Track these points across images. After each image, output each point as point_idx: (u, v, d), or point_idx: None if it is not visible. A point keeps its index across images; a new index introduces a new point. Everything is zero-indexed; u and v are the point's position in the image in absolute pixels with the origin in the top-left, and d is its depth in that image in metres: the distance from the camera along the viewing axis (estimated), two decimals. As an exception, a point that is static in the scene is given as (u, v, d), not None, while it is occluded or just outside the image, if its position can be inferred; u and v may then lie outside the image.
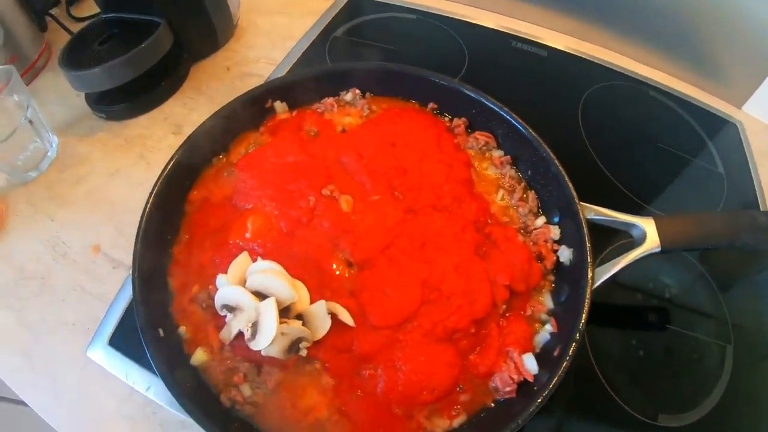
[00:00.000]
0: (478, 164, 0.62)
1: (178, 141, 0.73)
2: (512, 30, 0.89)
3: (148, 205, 0.55)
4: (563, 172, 0.56)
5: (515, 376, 0.48)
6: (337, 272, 0.52)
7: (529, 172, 0.61)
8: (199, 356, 0.51)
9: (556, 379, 0.45)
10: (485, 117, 0.63)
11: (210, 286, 0.54)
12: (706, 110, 0.84)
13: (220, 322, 0.52)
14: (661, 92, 0.85)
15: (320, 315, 0.48)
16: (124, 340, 0.60)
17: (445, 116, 0.67)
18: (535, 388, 0.48)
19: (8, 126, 0.69)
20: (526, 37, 0.88)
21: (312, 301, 0.49)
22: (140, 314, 0.50)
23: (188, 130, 0.73)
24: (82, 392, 0.59)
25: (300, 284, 0.50)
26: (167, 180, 0.57)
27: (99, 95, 0.77)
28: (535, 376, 0.49)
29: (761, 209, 0.73)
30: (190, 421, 0.54)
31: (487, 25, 0.91)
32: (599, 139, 0.76)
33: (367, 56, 0.82)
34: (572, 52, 0.88)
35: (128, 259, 0.64)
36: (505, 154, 0.63)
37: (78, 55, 0.72)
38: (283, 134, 0.62)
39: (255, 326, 0.48)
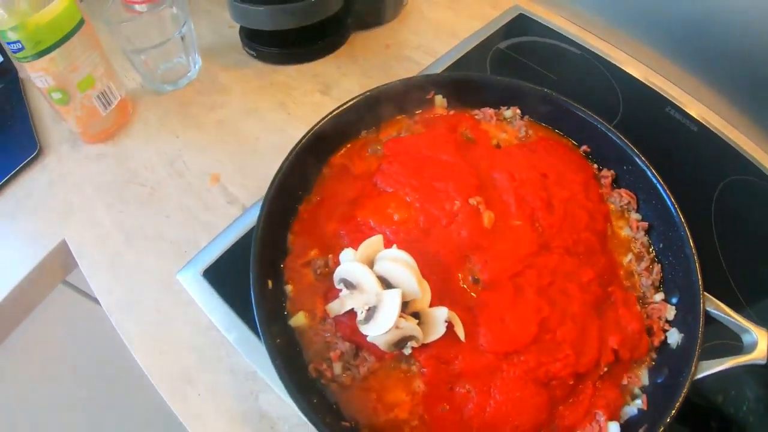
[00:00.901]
0: (614, 221, 0.64)
1: (323, 100, 0.77)
2: (667, 93, 0.90)
3: (296, 150, 0.59)
4: (696, 258, 0.58)
5: None
6: (463, 285, 0.55)
7: (661, 245, 0.63)
8: (299, 319, 0.55)
9: None
10: (635, 177, 0.65)
11: (330, 255, 0.57)
12: None
13: (329, 293, 0.55)
14: None
15: (438, 320, 0.51)
16: (219, 276, 0.63)
17: (594, 164, 0.69)
18: None
19: (161, 36, 0.73)
20: (680, 105, 0.89)
21: (431, 305, 0.52)
22: (257, 256, 0.53)
23: (336, 93, 0.78)
24: (159, 310, 0.63)
25: (425, 284, 0.52)
26: (318, 134, 0.61)
27: (252, 33, 0.81)
28: None
29: None
30: (261, 374, 0.60)
31: (645, 82, 0.92)
32: (727, 230, 0.78)
33: (527, 78, 0.83)
34: (720, 134, 0.90)
35: (245, 198, 0.68)
36: (643, 220, 0.65)
37: None
38: (439, 130, 0.64)
39: (372, 311, 0.50)
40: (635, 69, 0.95)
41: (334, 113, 0.62)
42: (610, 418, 0.53)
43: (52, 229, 0.69)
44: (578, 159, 0.67)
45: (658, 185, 0.63)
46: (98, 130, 0.76)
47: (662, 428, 0.50)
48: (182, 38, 0.74)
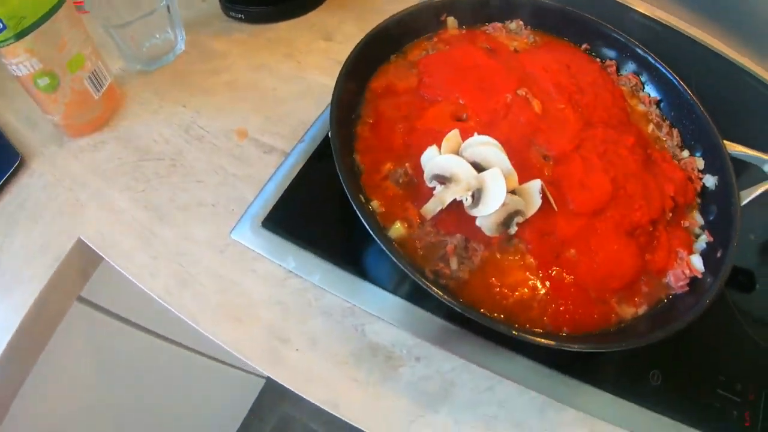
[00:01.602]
0: (630, 101, 0.74)
1: (330, 46, 0.80)
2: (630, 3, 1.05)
3: (342, 74, 0.63)
4: (707, 114, 0.70)
5: (687, 272, 0.59)
6: (537, 164, 0.60)
7: (672, 113, 0.74)
8: (397, 229, 0.56)
9: (723, 275, 0.57)
10: (636, 62, 0.77)
11: (407, 164, 0.60)
12: None
13: (419, 199, 0.58)
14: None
15: (534, 192, 0.56)
16: (282, 222, 0.63)
17: (596, 59, 0.79)
18: (707, 282, 0.59)
19: (147, 6, 0.71)
20: (637, 8, 1.05)
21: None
22: (345, 178, 0.55)
23: (341, 38, 0.81)
24: (221, 276, 0.60)
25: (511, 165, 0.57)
26: (355, 58, 0.64)
27: None
28: (702, 273, 0.60)
29: None
30: (359, 306, 0.62)
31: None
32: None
33: None
34: (684, 32, 1.04)
35: (283, 144, 0.69)
36: (652, 96, 0.76)
37: None
38: (462, 44, 0.70)
39: (477, 194, 0.54)
40: None
41: (366, 38, 0.66)
42: (690, 253, 0.62)
43: (61, 232, 0.64)
44: (583, 55, 0.76)
45: (657, 65, 0.75)
46: (87, 119, 0.71)
47: (734, 244, 0.59)
48: (168, 8, 0.75)
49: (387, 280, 0.61)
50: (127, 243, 0.63)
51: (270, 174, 0.68)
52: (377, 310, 0.61)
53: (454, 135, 0.58)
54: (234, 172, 0.69)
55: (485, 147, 0.56)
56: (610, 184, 0.61)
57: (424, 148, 0.59)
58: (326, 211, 0.65)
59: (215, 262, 0.62)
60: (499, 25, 0.77)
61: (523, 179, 0.59)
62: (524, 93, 0.65)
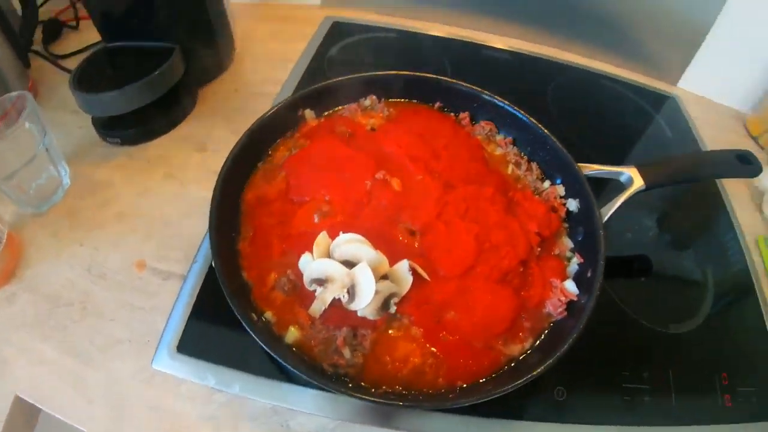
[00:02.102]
0: (487, 147, 0.86)
1: (205, 157, 0.90)
2: (477, 40, 1.23)
3: (214, 200, 0.70)
4: (560, 145, 0.81)
5: (563, 299, 0.70)
6: (404, 241, 0.71)
7: (528, 149, 0.86)
8: (293, 333, 0.66)
9: (595, 292, 0.67)
10: (485, 109, 0.88)
11: (288, 271, 0.69)
12: (649, 90, 1.21)
13: (305, 301, 0.67)
14: (611, 80, 1.20)
15: (404, 272, 0.66)
16: (194, 343, 0.72)
17: (450, 113, 0.91)
18: (582, 302, 0.69)
19: (26, 153, 0.79)
20: (491, 45, 1.22)
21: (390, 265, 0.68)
22: (233, 301, 0.63)
23: (213, 147, 0.91)
24: (154, 408, 0.69)
25: (380, 252, 0.67)
26: (224, 179, 0.73)
27: (107, 122, 0.91)
28: (577, 295, 0.70)
29: None
30: (280, 404, 0.71)
31: (457, 38, 1.24)
32: (569, 122, 1.04)
33: (362, 71, 1.07)
34: (532, 53, 1.22)
35: (179, 269, 0.78)
36: (507, 137, 0.87)
37: (90, 80, 0.87)
38: (321, 136, 0.80)
39: (352, 290, 0.64)
40: (445, 31, 1.24)
41: (230, 156, 0.75)
42: (563, 279, 0.73)
43: (-2, 393, 0.70)
44: (437, 114, 0.89)
45: (506, 107, 0.87)
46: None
47: (602, 262, 0.70)
48: (47, 149, 0.81)
49: (298, 377, 0.70)
50: (62, 392, 0.71)
51: (173, 300, 0.76)
52: (296, 404, 0.69)
53: (322, 238, 0.68)
54: (141, 305, 0.77)
55: (351, 245, 0.66)
56: (474, 242, 0.72)
57: (301, 253, 0.69)
58: (233, 324, 0.71)
59: (145, 394, 0.71)
60: (354, 105, 0.89)
61: (393, 260, 0.69)
62: (382, 176, 0.75)
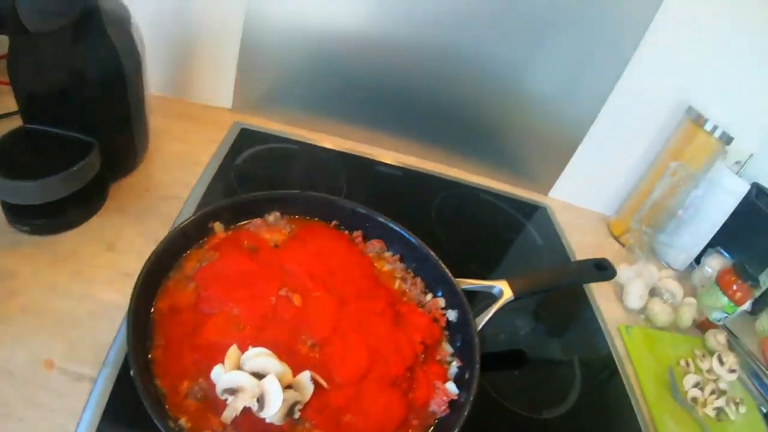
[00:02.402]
0: (377, 264, 1.01)
1: (114, 257, 0.96)
2: (371, 155, 1.45)
3: (130, 309, 0.77)
4: (440, 263, 0.99)
5: (445, 398, 0.84)
6: (304, 352, 0.82)
7: (414, 264, 1.03)
8: None
9: (473, 391, 0.83)
10: (376, 229, 1.05)
11: (200, 380, 0.77)
12: (523, 201, 1.51)
13: (217, 407, 0.75)
14: (490, 194, 1.48)
15: (306, 382, 0.77)
16: None
17: (345, 230, 1.07)
18: (461, 400, 0.84)
19: None
20: (383, 161, 1.43)
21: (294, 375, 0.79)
22: (153, 410, 0.69)
23: (123, 247, 0.98)
24: None
25: (284, 363, 0.78)
26: (138, 296, 0.79)
27: (18, 209, 0.94)
28: (457, 394, 0.85)
29: (570, 257, 1.34)
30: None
31: (355, 153, 1.45)
32: (451, 235, 1.28)
33: (266, 181, 1.22)
34: (420, 170, 1.46)
35: (89, 370, 0.81)
36: (395, 254, 1.04)
37: (3, 162, 0.90)
38: (229, 250, 0.91)
39: (261, 399, 0.74)
40: (341, 145, 1.43)
41: (144, 270, 0.82)
42: (444, 381, 0.88)
43: None
44: (333, 232, 1.05)
45: (395, 228, 1.05)
46: None
47: (477, 366, 0.86)
48: None
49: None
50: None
51: (84, 403, 0.79)
52: None
53: (233, 352, 0.78)
54: (51, 406, 0.78)
55: (260, 358, 0.77)
56: (366, 353, 0.86)
57: (212, 364, 0.79)
58: (145, 429, 0.73)
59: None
60: (259, 220, 1.02)
61: (296, 369, 0.80)
62: (285, 292, 0.88)
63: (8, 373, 0.80)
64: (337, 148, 1.46)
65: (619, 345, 1.19)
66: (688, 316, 1.30)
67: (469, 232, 1.34)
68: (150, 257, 0.85)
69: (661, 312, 1.28)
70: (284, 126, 1.49)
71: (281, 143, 1.41)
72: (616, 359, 1.13)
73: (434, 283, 1.02)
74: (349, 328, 0.88)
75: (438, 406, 0.85)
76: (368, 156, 1.47)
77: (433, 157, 1.53)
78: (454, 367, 0.92)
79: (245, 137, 1.38)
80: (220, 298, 0.86)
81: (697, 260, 1.52)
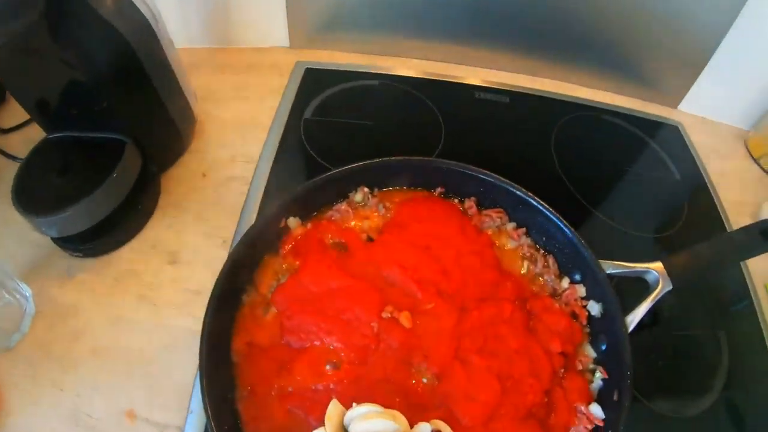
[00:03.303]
0: (498, 241, 0.79)
1: (178, 271, 0.82)
2: (467, 81, 1.15)
3: (202, 368, 0.62)
4: (577, 236, 0.75)
5: (589, 426, 0.67)
6: (420, 389, 0.66)
7: (544, 239, 0.80)
8: None
9: (623, 418, 0.64)
10: (493, 193, 0.81)
11: None
12: (652, 121, 1.18)
13: None
14: (614, 114, 1.15)
15: None
16: None
17: (454, 198, 0.83)
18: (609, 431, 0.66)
19: None
20: (484, 85, 1.13)
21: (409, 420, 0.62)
22: None
23: (186, 257, 0.83)
24: None
25: (397, 413, 0.61)
26: (209, 336, 0.64)
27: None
28: (603, 420, 0.67)
29: (715, 200, 1.06)
30: None
31: (445, 79, 1.14)
32: (573, 170, 1.02)
33: (344, 137, 0.98)
34: (529, 91, 1.14)
35: (174, 418, 0.71)
36: (519, 226, 0.81)
37: (35, 193, 0.75)
38: (312, 256, 0.72)
39: None
40: (428, 69, 1.12)
41: (210, 304, 0.66)
42: (588, 403, 0.69)
43: None
44: (443, 206, 0.81)
45: (513, 190, 0.80)
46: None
47: (629, 382, 0.66)
48: None
49: None
50: None
51: None
52: None
53: (334, 410, 0.62)
54: None
55: (367, 421, 0.61)
56: (497, 382, 0.67)
57: (309, 414, 0.64)
58: None
59: None
60: (345, 206, 0.80)
61: (411, 412, 0.63)
62: (389, 313, 0.69)
63: (91, 429, 0.70)
64: (421, 75, 1.17)
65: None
66: None
67: (593, 167, 1.06)
68: (213, 291, 0.67)
69: None
70: (353, 55, 1.21)
71: (353, 80, 1.12)
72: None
73: (570, 263, 0.79)
74: (473, 350, 0.69)
75: (580, 435, 0.68)
76: (461, 80, 1.17)
77: (543, 72, 1.21)
78: (598, 379, 0.72)
79: (311, 80, 1.12)
80: (309, 329, 0.69)
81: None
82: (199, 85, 1.01)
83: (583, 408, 0.68)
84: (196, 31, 1.12)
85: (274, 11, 1.12)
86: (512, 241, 0.80)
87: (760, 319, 0.89)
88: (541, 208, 0.78)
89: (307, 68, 1.12)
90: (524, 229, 0.81)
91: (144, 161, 0.84)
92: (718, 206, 1.06)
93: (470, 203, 0.83)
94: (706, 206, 1.06)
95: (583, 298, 0.77)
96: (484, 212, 0.82)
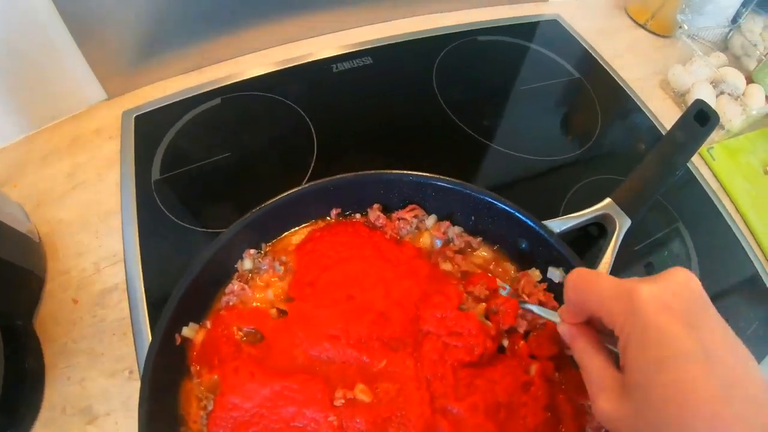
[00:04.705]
0: (422, 245, 0.67)
1: (101, 430, 0.64)
2: (308, 56, 0.99)
3: None
4: (509, 205, 0.65)
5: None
6: None
7: (472, 219, 0.69)
8: None
9: None
10: (398, 190, 0.68)
11: None
12: (528, 23, 1.08)
13: None
14: (486, 31, 1.05)
15: None
16: None
17: (354, 215, 0.70)
18: None
19: None
20: (341, 52, 0.99)
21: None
22: None
23: (102, 408, 0.67)
24: None
25: None
26: None
27: None
28: None
29: (621, 84, 1.01)
30: None
31: (294, 64, 0.98)
32: (465, 108, 0.93)
33: (205, 184, 0.81)
34: (387, 42, 1.01)
35: None
36: (440, 218, 0.69)
37: None
38: (227, 366, 0.57)
39: None
40: (274, 58, 0.99)
41: None
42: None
43: None
44: (341, 231, 0.68)
45: (419, 180, 0.68)
46: None
47: None
48: None
49: None
50: None
51: None
52: None
53: None
54: None
55: None
56: (488, 420, 0.56)
57: None
58: None
59: None
60: (235, 284, 0.64)
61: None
62: (343, 398, 0.56)
63: None
64: (265, 71, 0.97)
65: (707, 174, 0.92)
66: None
67: (490, 97, 0.95)
68: None
69: (733, 114, 0.96)
70: (183, 77, 0.98)
71: (192, 108, 0.91)
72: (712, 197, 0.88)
73: (512, 236, 0.68)
74: (448, 394, 0.57)
75: (597, 430, 0.58)
76: (312, 58, 0.99)
77: (394, 14, 1.05)
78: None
79: (145, 129, 0.89)
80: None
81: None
82: (28, 192, 0.81)
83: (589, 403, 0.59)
84: (2, 124, 0.87)
85: (74, 65, 0.85)
86: (438, 241, 0.68)
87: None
88: (458, 188, 0.66)
89: (136, 117, 0.90)
90: (448, 223, 0.69)
91: (3, 322, 0.63)
92: (626, 89, 0.97)
93: (375, 212, 0.69)
94: (615, 93, 0.98)
95: (540, 282, 0.66)
96: (396, 215, 0.69)
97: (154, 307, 0.69)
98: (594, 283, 0.43)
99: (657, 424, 0.36)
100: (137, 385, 0.63)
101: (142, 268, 0.73)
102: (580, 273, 0.45)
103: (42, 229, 0.78)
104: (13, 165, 0.85)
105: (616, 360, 0.44)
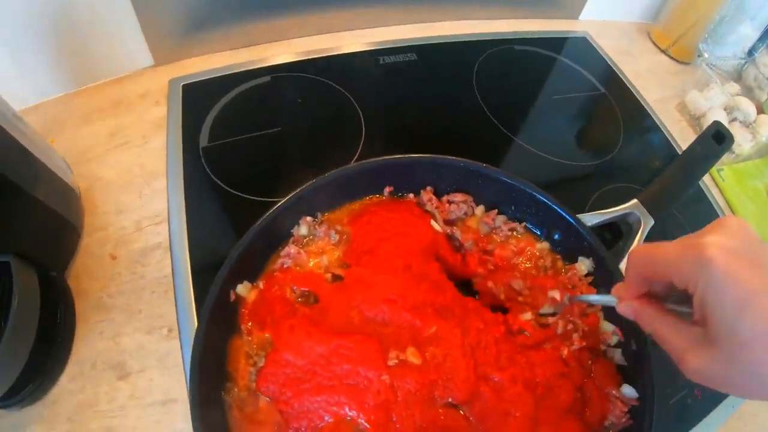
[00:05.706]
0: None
1: (133, 385, 0.66)
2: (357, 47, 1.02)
3: None
4: (548, 197, 0.70)
5: (624, 409, 0.61)
6: (456, 424, 0.58)
7: (512, 208, 0.74)
8: None
9: (651, 393, 0.60)
10: (447, 175, 0.73)
11: None
12: (559, 38, 1.15)
13: None
14: (522, 41, 1.11)
15: None
16: None
17: (407, 195, 0.74)
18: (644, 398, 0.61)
19: None
20: (386, 47, 1.03)
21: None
22: None
23: (135, 365, 0.68)
24: None
25: None
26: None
27: None
28: (637, 398, 0.61)
29: (642, 103, 1.07)
30: None
31: (341, 52, 1.02)
32: (499, 109, 0.98)
33: (255, 155, 0.84)
34: (435, 42, 1.07)
35: None
36: (489, 208, 0.74)
37: None
38: (282, 324, 0.60)
39: None
40: (314, 45, 1.04)
41: (195, 418, 0.53)
42: (619, 385, 0.63)
43: None
44: (396, 209, 0.72)
45: (473, 167, 0.72)
46: None
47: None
48: None
49: None
50: None
51: None
52: None
53: None
54: None
55: None
56: (527, 392, 0.61)
57: None
58: None
59: None
60: (291, 247, 0.68)
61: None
62: (396, 358, 0.60)
63: None
64: (315, 56, 1.01)
65: (716, 193, 0.99)
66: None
67: (524, 102, 1.02)
68: (192, 402, 0.53)
69: (743, 140, 1.04)
70: (229, 53, 1.01)
71: (241, 83, 0.94)
72: (720, 214, 0.94)
73: (546, 225, 0.73)
74: (491, 363, 0.62)
75: (618, 419, 0.62)
76: (356, 48, 1.03)
77: (442, 16, 1.11)
78: (617, 347, 0.67)
79: (193, 98, 0.92)
80: (313, 409, 0.58)
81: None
82: (66, 147, 0.82)
83: (614, 392, 0.63)
84: (44, 80, 0.88)
85: (124, 28, 0.89)
86: (485, 226, 0.72)
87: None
88: (507, 180, 0.72)
89: (184, 85, 0.92)
90: (495, 211, 0.74)
91: (38, 271, 0.65)
92: (647, 108, 1.04)
93: (428, 194, 0.73)
94: (636, 112, 1.05)
95: (586, 276, 0.70)
96: (447, 199, 0.73)
97: (198, 268, 0.71)
98: (659, 249, 0.46)
99: (751, 363, 0.38)
100: (175, 343, 0.67)
101: (187, 228, 0.75)
102: (642, 246, 0.49)
103: (81, 184, 0.80)
104: (52, 120, 0.87)
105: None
